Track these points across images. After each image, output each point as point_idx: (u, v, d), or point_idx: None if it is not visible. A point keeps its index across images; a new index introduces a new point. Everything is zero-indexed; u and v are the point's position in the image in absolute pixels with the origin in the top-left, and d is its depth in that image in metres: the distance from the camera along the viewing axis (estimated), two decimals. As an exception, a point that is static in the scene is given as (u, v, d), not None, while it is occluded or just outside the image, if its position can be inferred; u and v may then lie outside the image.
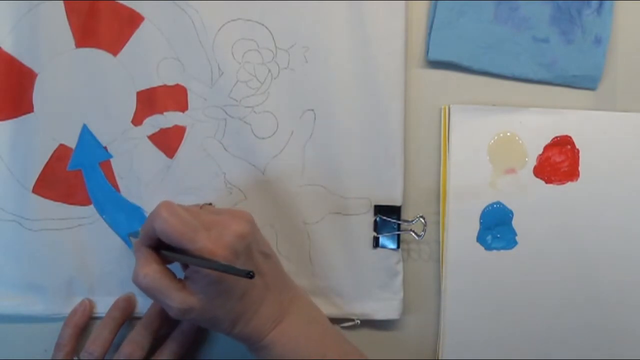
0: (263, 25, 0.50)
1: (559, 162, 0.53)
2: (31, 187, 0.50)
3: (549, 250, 0.53)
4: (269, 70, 0.50)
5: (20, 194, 0.49)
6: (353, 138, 0.50)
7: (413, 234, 0.51)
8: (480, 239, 0.53)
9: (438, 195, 0.53)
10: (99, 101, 0.50)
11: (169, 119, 0.50)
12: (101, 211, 0.50)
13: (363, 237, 0.51)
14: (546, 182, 0.53)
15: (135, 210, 0.50)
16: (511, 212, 0.53)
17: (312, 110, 0.50)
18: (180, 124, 0.50)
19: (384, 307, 0.51)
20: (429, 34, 0.51)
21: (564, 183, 0.53)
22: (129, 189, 0.50)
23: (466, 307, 0.53)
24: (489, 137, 0.53)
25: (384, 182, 0.51)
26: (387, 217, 0.51)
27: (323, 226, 0.51)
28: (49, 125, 0.49)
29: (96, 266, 0.50)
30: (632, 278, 0.54)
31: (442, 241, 0.53)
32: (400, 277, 0.52)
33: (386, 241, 0.51)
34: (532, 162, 0.53)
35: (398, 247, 0.51)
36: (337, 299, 0.51)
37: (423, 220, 0.51)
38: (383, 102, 0.50)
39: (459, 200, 0.52)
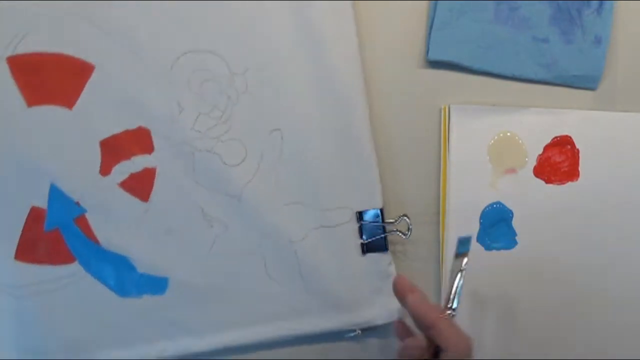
0: (214, 53, 0.48)
1: (559, 162, 0.53)
2: (13, 254, 0.49)
3: (549, 250, 0.53)
4: (229, 97, 0.49)
5: (3, 264, 0.48)
6: (323, 149, 0.50)
7: (399, 234, 0.51)
8: (480, 239, 0.53)
9: (438, 195, 0.53)
10: (62, 158, 0.48)
11: (137, 163, 0.49)
12: (87, 267, 0.49)
13: (350, 245, 0.51)
14: (546, 182, 0.53)
15: (120, 259, 0.49)
16: (511, 212, 0.53)
17: (279, 129, 0.49)
18: (149, 166, 0.49)
19: (382, 311, 0.51)
20: (429, 34, 0.51)
21: (564, 183, 0.53)
22: (108, 240, 0.49)
23: (466, 307, 0.53)
24: (489, 137, 0.53)
25: (361, 187, 0.50)
26: (371, 221, 0.51)
27: (309, 242, 0.50)
28: (17, 189, 0.48)
29: (94, 320, 0.50)
30: (632, 278, 0.54)
31: (442, 241, 0.53)
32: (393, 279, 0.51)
33: (374, 245, 0.51)
34: (532, 162, 0.53)
35: (386, 249, 0.51)
36: (333, 313, 0.51)
37: (407, 219, 0.51)
38: (346, 107, 0.49)
39: (459, 200, 0.52)
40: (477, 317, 0.53)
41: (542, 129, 0.53)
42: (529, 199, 0.53)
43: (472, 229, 0.53)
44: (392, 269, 0.51)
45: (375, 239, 0.51)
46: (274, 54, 0.49)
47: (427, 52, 0.52)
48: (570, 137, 0.53)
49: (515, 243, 0.53)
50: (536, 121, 0.53)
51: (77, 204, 0.49)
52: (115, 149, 0.48)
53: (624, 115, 0.53)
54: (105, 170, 0.49)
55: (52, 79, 0.47)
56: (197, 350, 0.50)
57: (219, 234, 0.50)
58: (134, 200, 0.49)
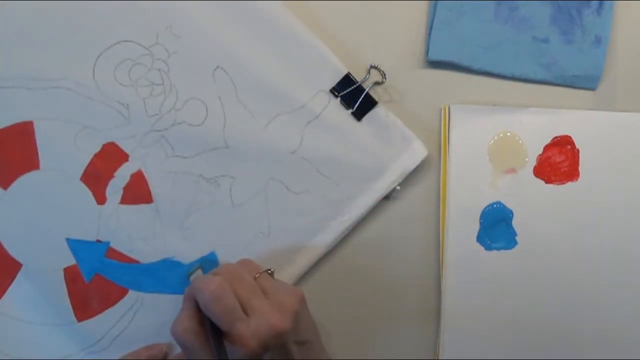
0: (120, 42, 0.49)
1: (559, 162, 0.53)
2: (74, 319, 0.49)
3: (549, 250, 0.53)
4: (159, 69, 0.49)
5: (71, 332, 0.49)
6: (266, 57, 0.50)
7: (378, 84, 0.51)
8: (480, 239, 0.53)
9: (438, 195, 0.53)
10: (59, 212, 0.49)
11: (122, 175, 0.49)
12: (141, 288, 0.50)
13: (344, 121, 0.51)
14: (546, 182, 0.53)
15: (163, 264, 0.50)
16: (511, 212, 0.53)
17: (218, 67, 0.50)
18: (133, 171, 0.49)
19: (409, 157, 0.52)
20: (429, 34, 0.51)
21: (564, 183, 0.53)
22: (143, 254, 0.50)
23: (466, 307, 0.53)
24: (489, 137, 0.53)
25: (318, 66, 0.50)
26: (347, 89, 0.50)
27: (308, 142, 0.51)
28: (43, 262, 0.49)
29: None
30: (632, 278, 0.54)
31: (442, 241, 0.53)
32: (398, 122, 0.51)
33: (363, 106, 0.51)
34: (532, 162, 0.53)
35: (375, 102, 0.51)
36: (372, 184, 0.51)
37: (376, 67, 0.51)
38: (260, 10, 0.49)
39: (459, 200, 0.52)
40: (477, 317, 0.53)
41: (542, 129, 0.53)
42: (529, 199, 0.53)
43: (472, 229, 0.53)
44: (392, 116, 0.51)
45: (360, 101, 0.51)
46: (171, 9, 0.49)
47: (427, 52, 0.52)
48: (570, 137, 0.53)
49: (515, 243, 0.53)
50: (536, 121, 0.53)
51: (98, 241, 0.49)
52: (96, 176, 0.49)
53: (624, 115, 0.53)
54: (100, 199, 0.49)
55: (8, 157, 0.48)
56: None
57: (230, 187, 0.50)
58: (142, 207, 0.50)
